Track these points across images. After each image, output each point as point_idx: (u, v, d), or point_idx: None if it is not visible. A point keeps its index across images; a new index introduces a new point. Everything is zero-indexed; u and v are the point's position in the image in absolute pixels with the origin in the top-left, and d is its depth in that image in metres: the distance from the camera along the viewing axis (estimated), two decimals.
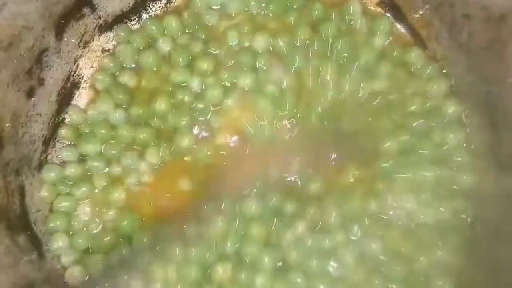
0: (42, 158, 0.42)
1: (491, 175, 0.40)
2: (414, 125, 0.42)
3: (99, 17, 0.44)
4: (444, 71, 0.44)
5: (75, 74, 0.45)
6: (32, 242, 0.39)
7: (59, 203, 0.41)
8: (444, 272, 0.39)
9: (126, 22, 0.45)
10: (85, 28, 0.44)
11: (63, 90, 0.44)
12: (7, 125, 0.38)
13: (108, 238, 0.41)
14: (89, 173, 0.42)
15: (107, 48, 0.45)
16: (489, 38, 0.39)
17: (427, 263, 0.39)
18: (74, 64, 0.45)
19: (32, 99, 0.41)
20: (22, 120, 0.40)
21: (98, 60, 0.45)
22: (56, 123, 0.43)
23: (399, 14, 0.45)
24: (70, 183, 0.42)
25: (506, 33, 0.38)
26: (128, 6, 0.45)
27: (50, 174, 0.42)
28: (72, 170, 0.42)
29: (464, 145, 0.42)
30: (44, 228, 0.41)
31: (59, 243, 0.40)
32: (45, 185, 0.41)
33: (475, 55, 0.41)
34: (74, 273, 0.39)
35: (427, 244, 0.40)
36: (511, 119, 0.38)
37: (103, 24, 0.45)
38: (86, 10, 0.43)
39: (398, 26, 0.45)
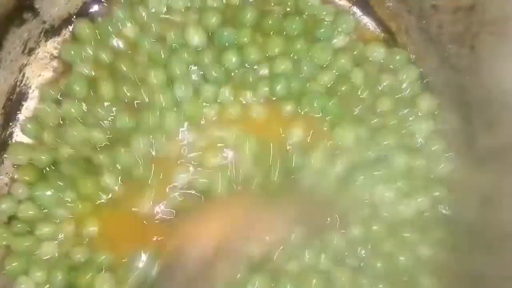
0: None
1: (467, 166, 0.39)
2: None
3: (44, 22, 0.41)
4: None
5: (21, 84, 0.41)
6: None
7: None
8: (427, 269, 0.38)
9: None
10: (28, 34, 0.40)
11: (9, 102, 0.41)
12: None
13: None
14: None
15: (55, 54, 0.42)
16: (459, 29, 0.37)
17: (410, 260, 0.38)
18: (20, 74, 0.41)
19: None
20: None
21: (46, 68, 0.42)
22: (3, 138, 0.40)
23: (366, 7, 0.43)
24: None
25: (476, 23, 0.36)
26: (76, 8, 0.42)
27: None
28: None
29: (438, 136, 0.40)
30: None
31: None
32: None
33: (446, 47, 0.39)
34: None
35: (409, 240, 0.39)
36: (485, 111, 0.37)
37: (49, 29, 0.41)
38: (27, 15, 0.39)
39: (366, 20, 0.43)
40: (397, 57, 0.42)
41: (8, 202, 0.38)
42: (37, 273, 0.37)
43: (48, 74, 0.42)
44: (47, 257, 0.38)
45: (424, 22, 0.40)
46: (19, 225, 0.38)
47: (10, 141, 0.40)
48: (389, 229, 0.39)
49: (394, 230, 0.39)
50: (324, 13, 0.41)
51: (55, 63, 0.42)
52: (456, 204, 0.39)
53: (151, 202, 0.39)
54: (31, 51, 0.41)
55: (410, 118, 0.41)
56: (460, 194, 0.39)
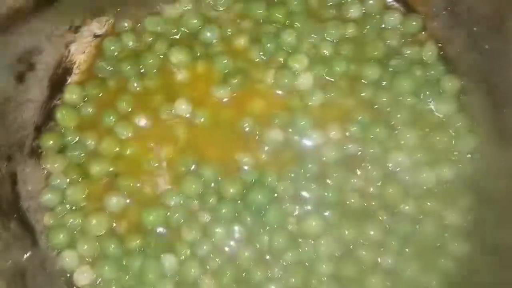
0: (34, 144, 0.41)
1: (493, 144, 0.39)
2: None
3: (92, 1, 0.43)
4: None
5: (67, 60, 0.44)
6: (24, 229, 0.38)
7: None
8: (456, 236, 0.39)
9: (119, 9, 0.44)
10: (76, 13, 0.43)
11: (55, 76, 0.43)
12: None
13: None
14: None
15: (98, 34, 0.45)
16: (488, 12, 0.38)
17: (436, 227, 0.39)
18: (66, 49, 0.44)
19: (23, 84, 0.41)
20: (12, 105, 0.40)
21: (90, 46, 0.44)
22: (48, 109, 0.43)
23: None
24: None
25: (505, 5, 0.37)
26: None
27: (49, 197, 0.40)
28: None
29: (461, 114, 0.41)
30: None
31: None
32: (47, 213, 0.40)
33: (475, 31, 0.40)
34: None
35: (433, 208, 0.39)
36: None
37: (96, 9, 0.44)
38: None
39: (396, 4, 0.44)
40: (413, 23, 0.43)
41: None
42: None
43: (91, 51, 0.44)
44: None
45: (454, 5, 0.41)
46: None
47: (54, 113, 0.43)
48: (406, 192, 0.40)
49: (414, 195, 0.40)
50: None
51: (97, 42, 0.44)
52: (481, 177, 0.40)
53: None
54: (77, 29, 0.44)
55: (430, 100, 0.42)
56: (485, 169, 0.40)
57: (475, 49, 0.40)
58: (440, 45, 0.43)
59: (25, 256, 0.37)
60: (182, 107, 0.41)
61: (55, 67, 0.43)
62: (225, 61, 0.42)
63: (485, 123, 0.40)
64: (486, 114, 0.40)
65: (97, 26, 0.45)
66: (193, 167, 0.40)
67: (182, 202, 0.39)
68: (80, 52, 0.44)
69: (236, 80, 0.42)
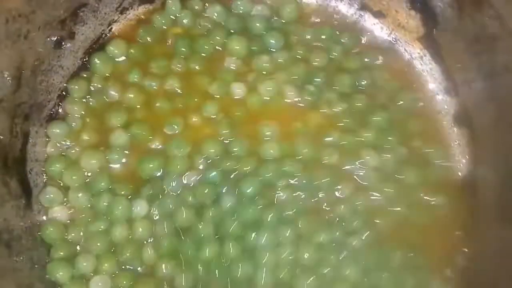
0: (53, 111, 0.42)
1: None
2: None
3: None
4: None
5: (106, 37, 0.45)
6: (22, 189, 0.38)
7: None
8: None
9: None
10: None
11: (91, 50, 0.44)
12: (28, 65, 0.38)
13: None
14: None
15: (143, 19, 0.45)
16: None
17: None
18: (108, 27, 0.45)
19: (59, 50, 0.41)
20: (43, 68, 0.40)
21: (131, 29, 0.45)
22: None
23: None
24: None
25: None
26: None
27: (56, 130, 0.41)
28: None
29: None
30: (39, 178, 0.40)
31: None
32: (51, 141, 0.41)
33: None
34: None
35: None
36: None
37: None
38: None
39: None
40: None
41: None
42: None
43: (131, 34, 0.45)
44: None
45: None
46: None
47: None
48: None
49: None
50: None
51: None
52: None
53: None
54: (123, 11, 0.45)
55: None
56: None
57: None
58: None
59: (16, 217, 0.37)
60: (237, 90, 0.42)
61: (93, 42, 0.44)
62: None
63: None
64: None
65: (143, 12, 0.45)
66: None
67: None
68: (119, 32, 0.45)
69: None
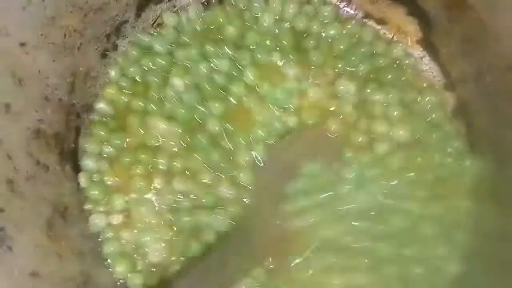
0: None
1: None
2: None
3: (174, 6, 0.52)
4: None
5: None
6: (75, 175, 0.46)
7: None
8: None
9: None
10: (160, 12, 0.52)
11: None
12: (81, 72, 0.46)
13: None
14: None
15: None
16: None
17: None
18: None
19: (105, 59, 0.49)
20: (92, 74, 0.48)
21: None
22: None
23: None
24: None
25: None
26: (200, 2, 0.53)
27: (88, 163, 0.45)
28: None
29: None
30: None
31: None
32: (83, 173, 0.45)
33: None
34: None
35: None
36: None
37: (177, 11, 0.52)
38: None
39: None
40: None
41: None
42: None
43: None
44: None
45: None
46: None
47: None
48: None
49: None
50: None
51: None
52: None
53: None
54: (158, 26, 0.52)
55: None
56: None
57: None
58: None
59: (70, 194, 0.44)
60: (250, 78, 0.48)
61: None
62: None
63: None
64: None
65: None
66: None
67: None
68: None
69: None
